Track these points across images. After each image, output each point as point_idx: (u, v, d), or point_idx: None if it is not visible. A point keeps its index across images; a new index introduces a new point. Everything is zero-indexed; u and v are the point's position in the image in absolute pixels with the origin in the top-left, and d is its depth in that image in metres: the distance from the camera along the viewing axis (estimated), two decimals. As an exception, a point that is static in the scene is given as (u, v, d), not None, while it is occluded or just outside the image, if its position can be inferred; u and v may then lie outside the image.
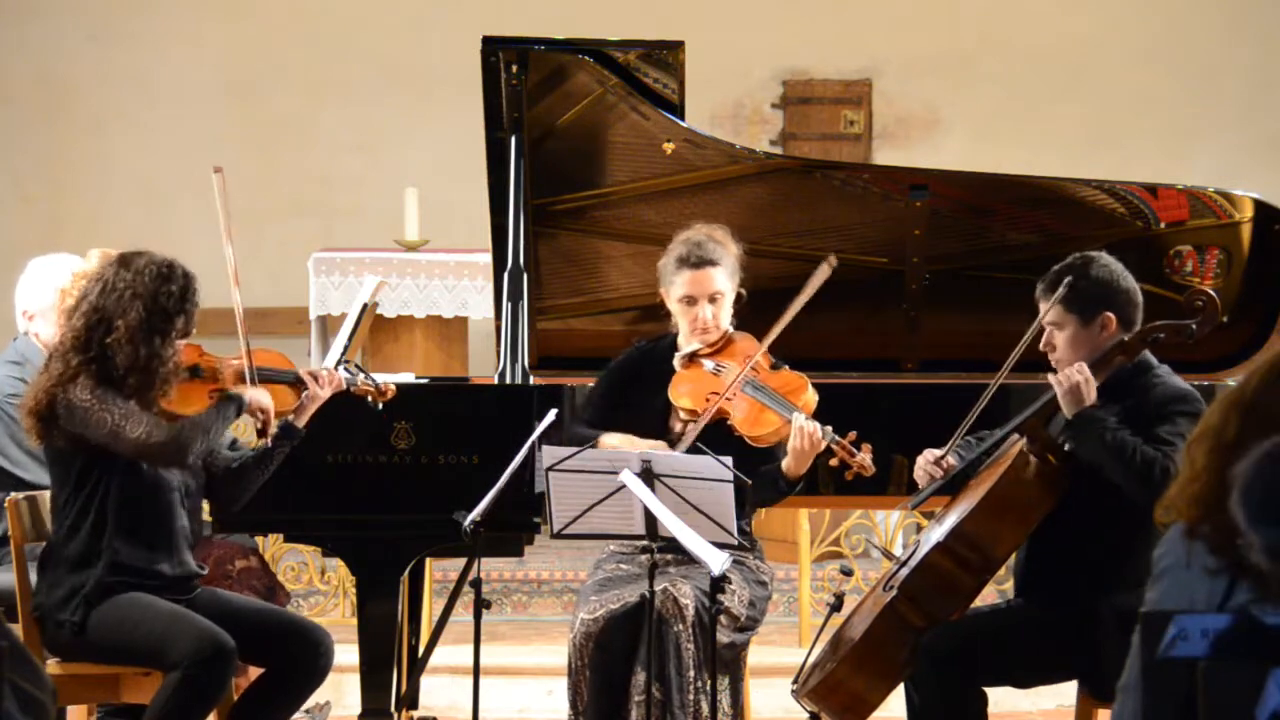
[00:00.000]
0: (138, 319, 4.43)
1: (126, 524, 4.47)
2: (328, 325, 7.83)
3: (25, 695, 2.91)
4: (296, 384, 4.69)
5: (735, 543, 4.32)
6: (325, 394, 4.70)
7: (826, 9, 10.16)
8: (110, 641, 4.45)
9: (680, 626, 4.49)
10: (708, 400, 4.72)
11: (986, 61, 10.14)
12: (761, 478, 4.65)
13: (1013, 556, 4.49)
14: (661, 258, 4.89)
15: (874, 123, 10.30)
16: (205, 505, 4.82)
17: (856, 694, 4.36)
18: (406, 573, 4.98)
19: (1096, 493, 4.28)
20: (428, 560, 5.67)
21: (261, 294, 8.47)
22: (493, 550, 4.88)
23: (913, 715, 4.39)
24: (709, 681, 4.42)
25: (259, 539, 5.63)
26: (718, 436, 4.61)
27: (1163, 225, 5.46)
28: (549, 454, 4.34)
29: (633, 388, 4.92)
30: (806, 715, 4.51)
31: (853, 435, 4.61)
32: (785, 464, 4.65)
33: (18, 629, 4.42)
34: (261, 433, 4.65)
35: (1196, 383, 4.49)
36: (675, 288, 4.84)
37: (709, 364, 4.83)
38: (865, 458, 4.58)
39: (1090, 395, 4.27)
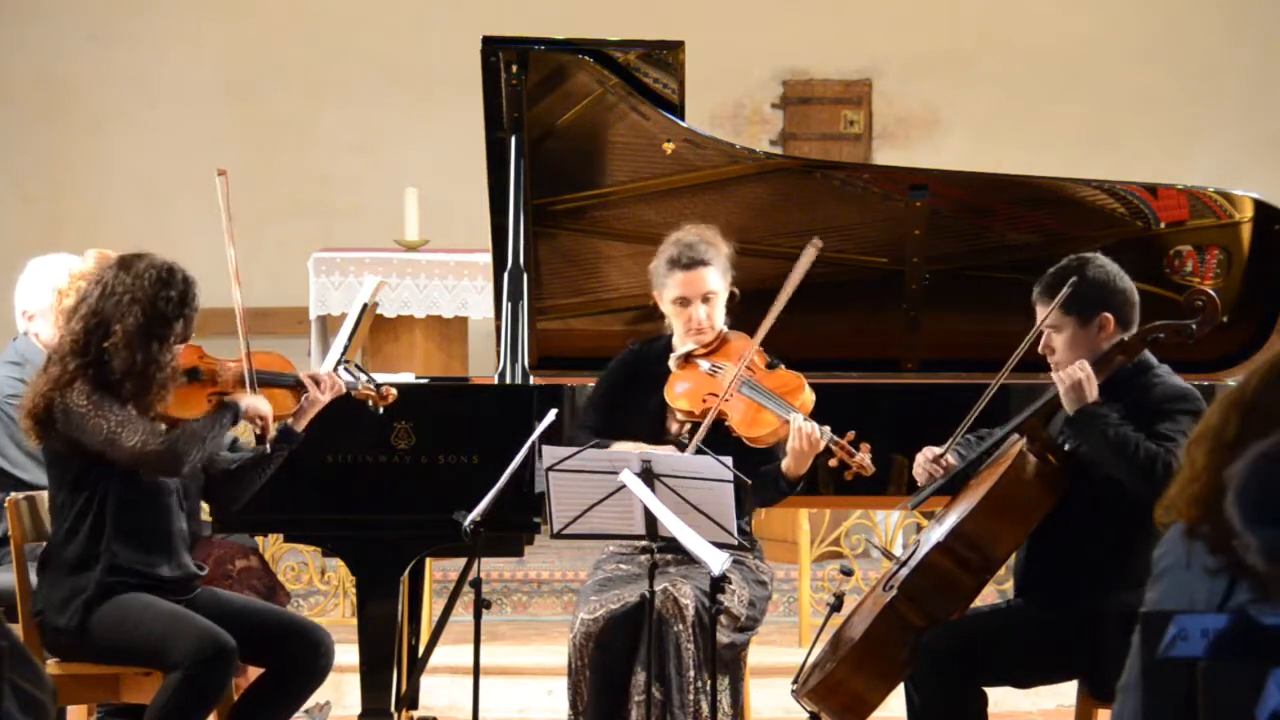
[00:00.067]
0: (136, 324, 4.41)
1: (125, 527, 4.46)
2: (328, 325, 7.82)
3: (25, 695, 2.91)
4: (296, 388, 4.67)
5: (735, 543, 4.31)
6: (325, 399, 4.68)
7: (826, 9, 10.15)
8: (110, 641, 4.44)
9: (680, 626, 4.48)
10: (705, 401, 4.72)
11: (986, 61, 10.13)
12: (761, 478, 4.65)
13: (1013, 556, 4.49)
14: (652, 260, 4.88)
15: (874, 123, 10.29)
16: (205, 505, 4.83)
17: (856, 694, 4.36)
18: (406, 573, 4.98)
19: (1096, 492, 4.28)
20: (428, 560, 5.67)
21: (261, 294, 8.45)
22: (493, 550, 4.88)
23: (913, 715, 4.39)
24: (709, 681, 4.41)
25: (259, 539, 5.61)
26: (716, 437, 4.61)
27: (1163, 225, 5.46)
28: (549, 454, 4.33)
29: (628, 390, 4.91)
30: (806, 715, 4.51)
31: (851, 435, 4.60)
32: (785, 464, 4.64)
33: (18, 629, 4.41)
34: (260, 438, 4.63)
35: (1196, 383, 4.49)
36: (668, 289, 4.83)
37: (705, 364, 4.82)
38: (864, 458, 4.57)
39: (1092, 392, 4.26)
